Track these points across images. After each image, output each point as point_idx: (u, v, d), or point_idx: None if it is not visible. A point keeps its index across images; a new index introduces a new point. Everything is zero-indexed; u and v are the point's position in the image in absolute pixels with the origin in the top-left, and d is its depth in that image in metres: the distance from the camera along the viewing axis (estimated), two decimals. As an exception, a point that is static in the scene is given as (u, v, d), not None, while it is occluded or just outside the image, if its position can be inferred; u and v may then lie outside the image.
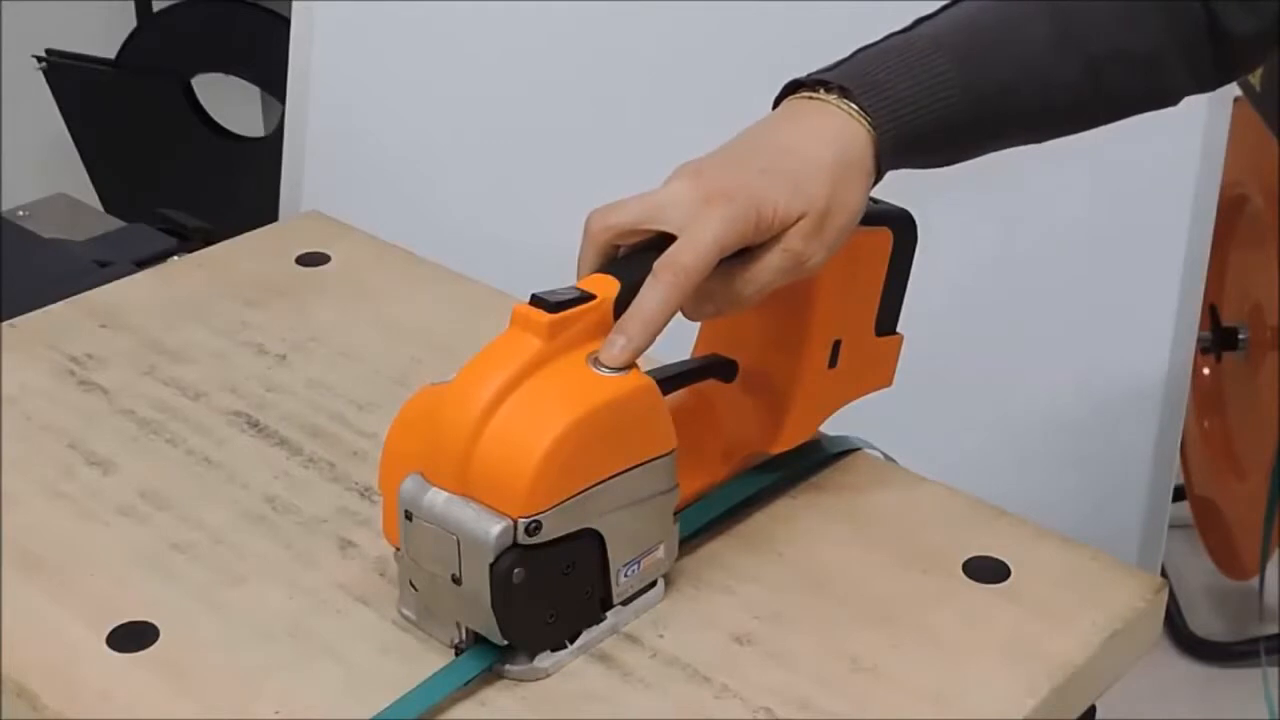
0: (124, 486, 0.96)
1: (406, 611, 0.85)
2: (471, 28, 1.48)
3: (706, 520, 0.91)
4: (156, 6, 2.45)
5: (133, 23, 2.41)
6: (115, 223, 1.47)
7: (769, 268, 0.83)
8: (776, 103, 0.89)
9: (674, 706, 0.81)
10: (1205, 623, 2.20)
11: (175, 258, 1.30)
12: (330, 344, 1.11)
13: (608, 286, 0.81)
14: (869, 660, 0.83)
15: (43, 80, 2.32)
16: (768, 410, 0.93)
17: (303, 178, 1.51)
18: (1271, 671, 1.93)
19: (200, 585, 0.88)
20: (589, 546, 0.81)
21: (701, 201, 0.82)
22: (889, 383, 0.97)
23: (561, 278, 0.83)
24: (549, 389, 0.79)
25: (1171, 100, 0.97)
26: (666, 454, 0.83)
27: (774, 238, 0.83)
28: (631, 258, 0.83)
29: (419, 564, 0.81)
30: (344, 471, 0.98)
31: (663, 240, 0.82)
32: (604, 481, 0.80)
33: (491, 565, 0.77)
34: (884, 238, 0.92)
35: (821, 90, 0.86)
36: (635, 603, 0.85)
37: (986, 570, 0.89)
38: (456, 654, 0.82)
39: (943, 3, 0.93)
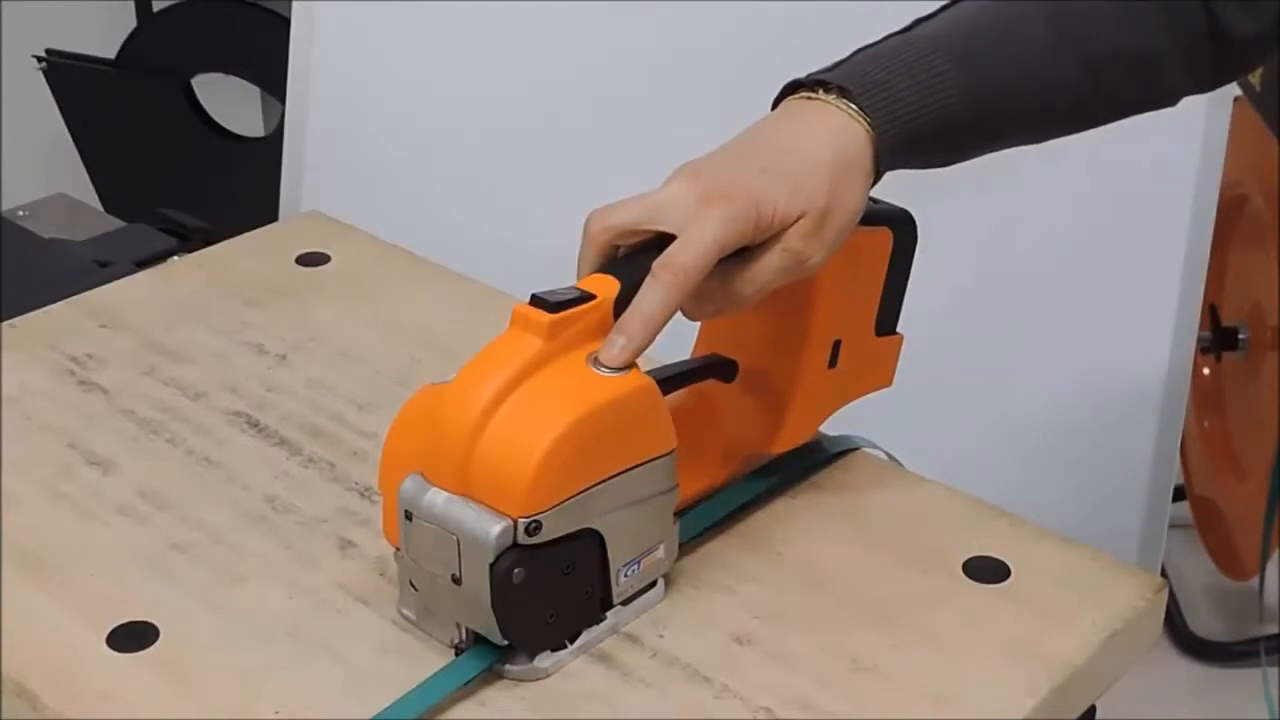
0: (124, 486, 0.96)
1: (406, 611, 0.85)
2: (471, 28, 1.47)
3: (707, 525, 0.91)
4: (156, 6, 2.45)
5: (133, 23, 2.41)
6: (115, 223, 1.47)
7: (769, 267, 0.83)
8: (776, 103, 0.89)
9: (674, 706, 0.81)
10: (1205, 623, 2.20)
11: (175, 258, 1.30)
12: (330, 344, 1.11)
13: (608, 286, 0.81)
14: (869, 660, 0.83)
15: (43, 80, 2.32)
16: (768, 410, 0.93)
17: (303, 178, 1.51)
18: (1271, 671, 1.92)
19: (200, 585, 0.88)
20: (589, 546, 0.81)
21: (701, 201, 0.82)
22: (889, 383, 0.97)
23: (561, 278, 0.83)
24: (549, 389, 0.79)
25: (1171, 101, 0.97)
26: (666, 454, 0.83)
27: (774, 237, 0.83)
28: (631, 258, 0.83)
29: (419, 564, 0.81)
30: (344, 471, 0.98)
31: (662, 240, 0.82)
32: (604, 481, 0.80)
33: (491, 565, 0.77)
34: (884, 238, 0.92)
35: (821, 90, 0.86)
36: (635, 603, 0.85)
37: (986, 570, 0.89)
38: (456, 654, 0.82)
39: (942, 3, 0.93)
